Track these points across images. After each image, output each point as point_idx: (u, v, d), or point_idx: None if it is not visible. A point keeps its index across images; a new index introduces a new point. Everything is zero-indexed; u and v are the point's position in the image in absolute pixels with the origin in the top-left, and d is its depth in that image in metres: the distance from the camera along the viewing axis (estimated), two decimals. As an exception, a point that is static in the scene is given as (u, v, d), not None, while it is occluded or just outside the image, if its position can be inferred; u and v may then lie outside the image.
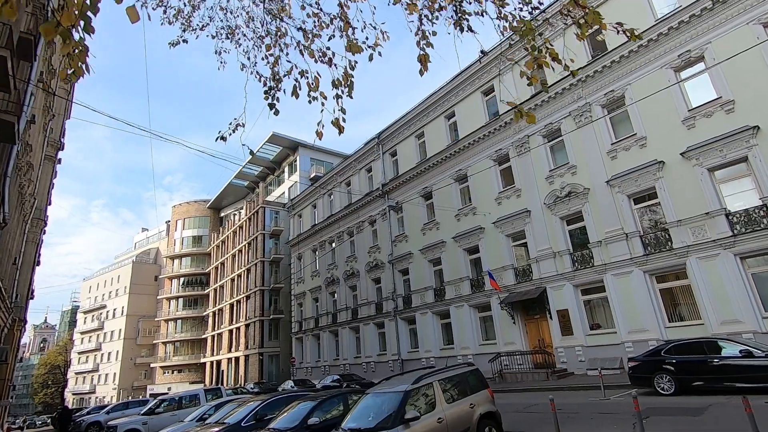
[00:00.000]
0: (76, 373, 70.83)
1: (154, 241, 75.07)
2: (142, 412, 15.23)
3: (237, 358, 45.79)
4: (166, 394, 51.28)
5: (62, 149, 43.77)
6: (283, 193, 49.57)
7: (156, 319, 61.95)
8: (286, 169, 49.84)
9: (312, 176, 45.60)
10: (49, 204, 41.33)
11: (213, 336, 52.93)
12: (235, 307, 48.47)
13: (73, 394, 69.80)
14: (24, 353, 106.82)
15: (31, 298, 39.98)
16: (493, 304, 19.41)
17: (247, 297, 45.83)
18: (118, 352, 63.12)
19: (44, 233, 41.85)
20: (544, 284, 17.44)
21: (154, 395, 52.83)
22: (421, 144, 25.27)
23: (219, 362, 50.15)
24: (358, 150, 30.01)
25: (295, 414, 7.82)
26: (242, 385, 24.88)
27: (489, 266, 19.80)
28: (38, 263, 40.81)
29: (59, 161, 45.15)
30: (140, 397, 52.35)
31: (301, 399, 8.75)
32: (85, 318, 73.45)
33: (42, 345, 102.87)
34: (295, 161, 47.57)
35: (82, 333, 72.76)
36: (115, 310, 66.95)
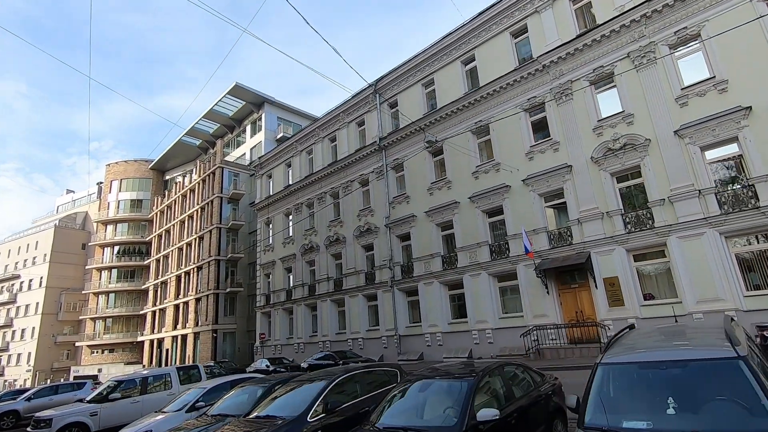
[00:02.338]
0: (-22, 353, 60.76)
1: (82, 204, 65.69)
2: (88, 398, 11.04)
3: (184, 336, 40.63)
4: (96, 376, 44.91)
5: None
6: (244, 154, 44.35)
7: (84, 292, 54.10)
8: (248, 128, 44.56)
9: (279, 137, 40.97)
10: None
11: (154, 312, 46.94)
12: (183, 279, 42.93)
13: (-27, 377, 59.92)
14: None
15: None
16: (519, 272, 17.00)
17: (199, 268, 40.59)
18: (34, 328, 54.61)
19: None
20: (588, 249, 15.25)
21: (79, 377, 46.01)
22: (429, 93, 22.13)
23: (161, 341, 44.51)
24: (347, 101, 26.22)
25: (432, 399, 4.60)
26: (215, 364, 20.67)
27: (515, 229, 17.34)
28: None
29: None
30: (61, 380, 45.33)
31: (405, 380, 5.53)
32: (-7, 290, 62.99)
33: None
34: (260, 119, 42.49)
35: (-13, 307, 62.39)
36: (31, 281, 57.81)
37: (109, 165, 57.49)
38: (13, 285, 60.21)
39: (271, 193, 31.55)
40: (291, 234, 29.03)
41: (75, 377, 46.32)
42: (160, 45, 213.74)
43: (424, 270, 20.44)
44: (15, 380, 54.27)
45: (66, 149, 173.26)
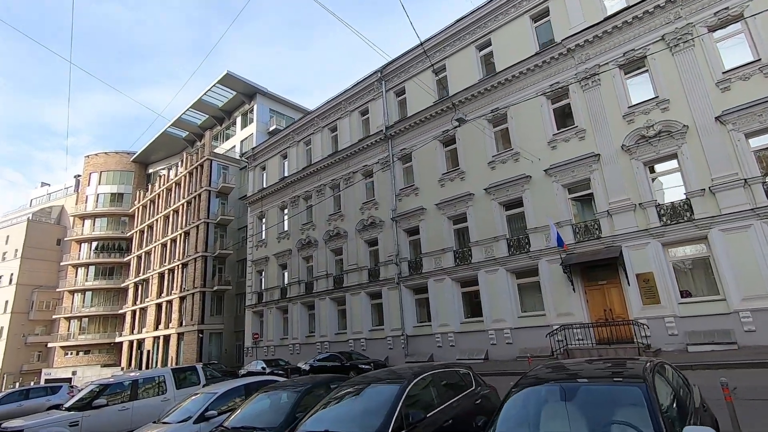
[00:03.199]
0: (-58, 355, 56.84)
1: (58, 198, 62.40)
2: (66, 405, 9.39)
3: (167, 337, 38.45)
4: (71, 379, 42.17)
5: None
6: (234, 146, 42.49)
7: (58, 290, 51.12)
8: (239, 120, 42.73)
9: (271, 129, 39.34)
10: None
11: (134, 311, 44.51)
12: (166, 277, 40.72)
13: (-64, 381, 56.00)
14: None
15: None
16: (541, 267, 15.91)
17: (184, 265, 38.52)
18: (2, 328, 51.30)
19: None
20: (619, 243, 14.26)
21: (52, 381, 43.20)
22: (441, 80, 20.97)
23: (141, 342, 42.14)
24: (349, 89, 24.89)
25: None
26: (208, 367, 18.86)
27: (536, 222, 16.27)
28: None
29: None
30: (32, 383, 42.45)
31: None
32: (-43, 287, 59.13)
33: None
34: (252, 111, 40.75)
35: (-49, 305, 58.51)
36: (1, 277, 54.40)
37: (88, 157, 54.64)
38: (-20, 282, 56.60)
39: (264, 186, 29.91)
40: (286, 228, 27.45)
41: (47, 380, 43.40)
42: (141, 39, 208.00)
43: (434, 266, 19.20)
44: (-21, 383, 50.83)
45: (38, 143, 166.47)
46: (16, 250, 54.21)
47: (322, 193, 25.49)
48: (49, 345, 49.20)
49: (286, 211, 28.05)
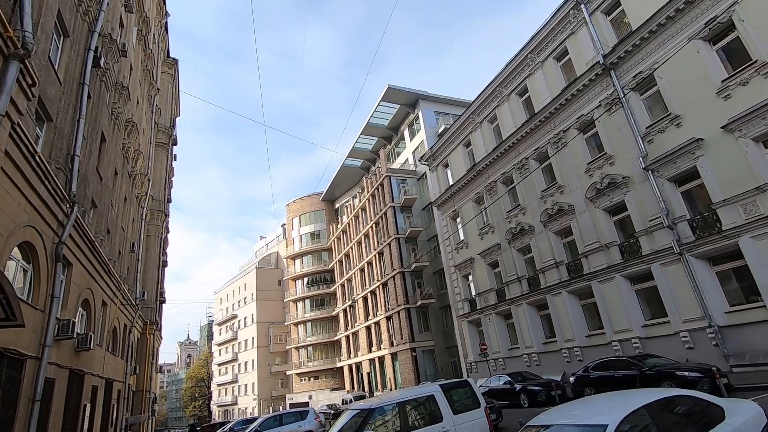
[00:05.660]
0: (218, 385, 70.91)
1: (273, 247, 73.19)
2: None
3: (381, 358, 38.44)
4: (308, 403, 46.17)
5: (176, 144, 41.45)
6: (407, 160, 41.73)
7: (285, 324, 58.36)
8: (406, 133, 42.00)
9: (440, 131, 37.00)
10: (169, 201, 38.84)
11: (347, 336, 46.70)
12: (369, 300, 41.47)
13: (218, 406, 69.78)
14: (173, 368, 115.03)
15: (162, 301, 37.20)
16: None
17: (384, 285, 38.42)
18: (253, 361, 60.82)
19: (168, 231, 39.43)
20: None
21: (294, 405, 48.15)
22: (678, -38, 14.72)
23: (359, 365, 43.51)
24: (535, 35, 20.35)
25: None
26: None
27: None
28: (165, 263, 38.32)
29: (175, 158, 43.16)
30: (280, 408, 48.06)
31: None
32: (220, 330, 73.81)
33: (188, 360, 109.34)
34: (417, 119, 39.44)
35: (218, 345, 73.12)
36: (245, 318, 65.40)
37: (288, 205, 62.48)
38: (233, 324, 69.28)
39: (452, 183, 27.13)
40: (488, 221, 23.77)
41: (291, 404, 48.65)
42: (310, 108, 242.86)
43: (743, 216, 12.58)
44: (246, 408, 60.80)
45: (255, 213, 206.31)
46: (252, 294, 64.58)
47: (525, 168, 21.11)
48: (287, 373, 55.83)
49: (482, 203, 24.48)
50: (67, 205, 10.40)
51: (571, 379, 13.83)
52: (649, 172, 15.07)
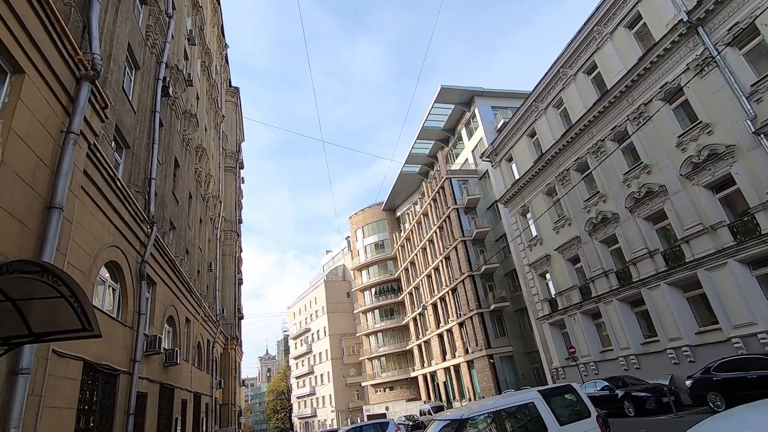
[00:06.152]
0: (298, 398, 72.93)
1: (339, 260, 74.57)
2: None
3: (456, 367, 37.05)
4: (385, 414, 45.69)
5: (242, 168, 43.70)
6: (466, 160, 40.45)
7: (357, 335, 58.79)
8: (463, 132, 40.79)
9: (499, 125, 35.39)
10: (240, 222, 40.84)
11: (419, 345, 45.78)
12: (439, 307, 40.36)
13: (299, 418, 71.68)
14: (255, 382, 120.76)
15: (240, 317, 39.00)
16: None
17: (453, 290, 37.21)
18: (328, 373, 61.78)
19: (241, 250, 41.42)
20: None
21: (371, 417, 47.95)
22: None
23: (433, 374, 42.34)
24: (600, 4, 18.61)
25: None
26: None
27: None
28: (240, 281, 40.18)
29: (243, 180, 45.49)
30: (358, 420, 48.11)
31: None
32: (295, 343, 76.18)
33: (268, 374, 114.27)
34: (474, 116, 38.15)
35: (295, 358, 75.40)
36: (318, 331, 66.87)
37: (350, 217, 63.45)
38: (307, 337, 71.18)
39: (517, 177, 25.60)
40: (564, 213, 21.98)
41: (368, 416, 48.51)
42: (363, 123, 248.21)
43: None
44: (325, 420, 61.77)
45: (321, 230, 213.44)
46: (322, 307, 65.97)
47: (601, 151, 19.24)
48: (362, 384, 55.94)
49: (555, 194, 22.74)
50: (147, 226, 10.85)
51: (688, 382, 11.95)
52: (761, 136, 12.86)
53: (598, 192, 19.58)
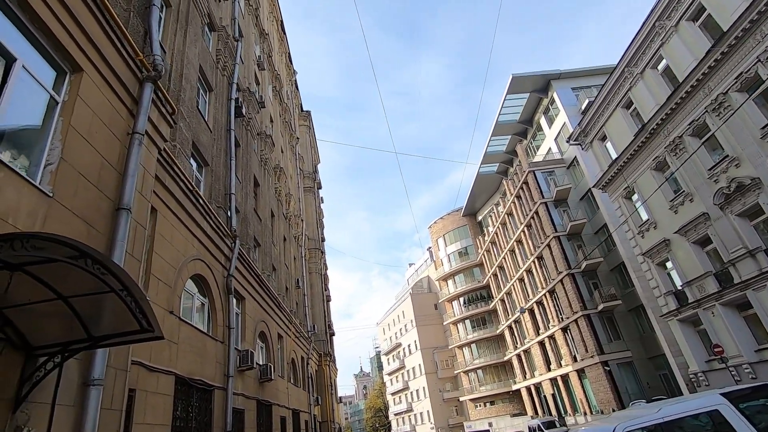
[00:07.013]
0: (395, 414, 71.95)
1: (423, 271, 73.33)
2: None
3: (564, 377, 33.46)
4: (488, 430, 42.71)
5: (320, 188, 44.93)
6: (549, 149, 37.29)
7: (449, 347, 56.62)
8: (543, 122, 37.82)
9: (583, 107, 32.03)
10: (323, 240, 41.74)
11: (518, 355, 42.46)
12: (536, 311, 37.10)
13: (399, 436, 70.58)
14: (353, 400, 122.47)
15: (332, 334, 39.46)
16: None
17: (550, 292, 33.97)
18: (424, 388, 60.07)
19: (326, 268, 42.16)
20: None
21: (475, 433, 45.17)
22: None
23: (538, 386, 38.78)
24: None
25: None
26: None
27: None
28: (329, 298, 40.79)
29: (322, 200, 46.76)
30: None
31: None
32: (387, 359, 75.78)
33: (364, 392, 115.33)
34: (553, 102, 35.19)
35: (389, 374, 74.87)
36: (409, 345, 65.77)
37: (430, 227, 62.18)
38: (398, 352, 70.37)
39: (615, 156, 22.56)
40: (682, 188, 18.67)
41: (470, 433, 45.86)
42: (432, 136, 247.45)
43: None
44: (425, 437, 59.88)
45: (400, 246, 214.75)
46: (411, 321, 64.88)
47: (725, 106, 15.98)
48: (460, 399, 53.38)
49: (666, 168, 19.50)
50: (230, 240, 10.80)
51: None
52: None
53: (727, 156, 16.23)
